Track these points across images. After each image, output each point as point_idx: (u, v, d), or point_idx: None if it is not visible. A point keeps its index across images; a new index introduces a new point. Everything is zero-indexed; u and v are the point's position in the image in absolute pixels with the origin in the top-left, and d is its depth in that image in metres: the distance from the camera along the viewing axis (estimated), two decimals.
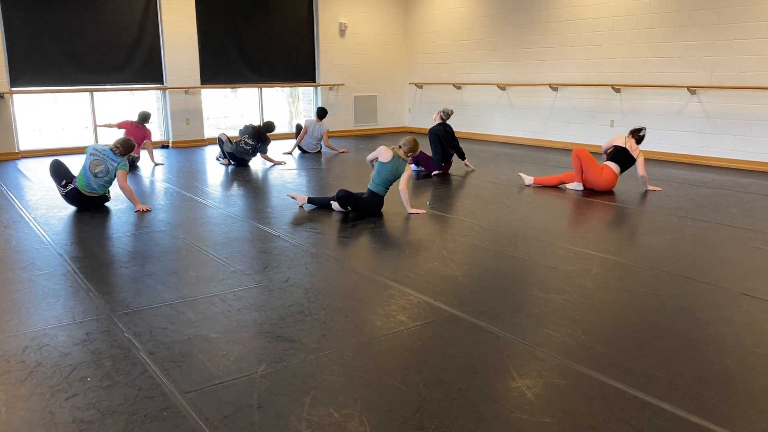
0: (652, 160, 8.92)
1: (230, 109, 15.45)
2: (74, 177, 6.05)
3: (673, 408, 2.47)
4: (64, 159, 7.41)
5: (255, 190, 7.07)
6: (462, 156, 8.20)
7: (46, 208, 6.08)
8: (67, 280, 4.01)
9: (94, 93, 10.34)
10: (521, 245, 4.75)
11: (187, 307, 3.54)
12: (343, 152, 10.04)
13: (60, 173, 6.06)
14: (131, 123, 8.80)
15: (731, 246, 4.71)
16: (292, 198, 6.19)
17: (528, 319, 3.35)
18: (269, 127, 8.69)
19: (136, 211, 5.92)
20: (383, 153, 5.75)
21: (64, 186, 5.99)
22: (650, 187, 6.84)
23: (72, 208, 6.06)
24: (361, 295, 3.72)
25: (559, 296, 3.69)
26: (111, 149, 5.98)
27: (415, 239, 4.99)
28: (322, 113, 10.06)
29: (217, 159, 9.08)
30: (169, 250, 4.70)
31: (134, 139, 8.29)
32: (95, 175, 5.90)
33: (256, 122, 10.24)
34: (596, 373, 2.74)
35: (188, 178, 7.85)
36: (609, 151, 6.92)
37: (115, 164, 5.92)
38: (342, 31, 12.52)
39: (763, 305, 3.53)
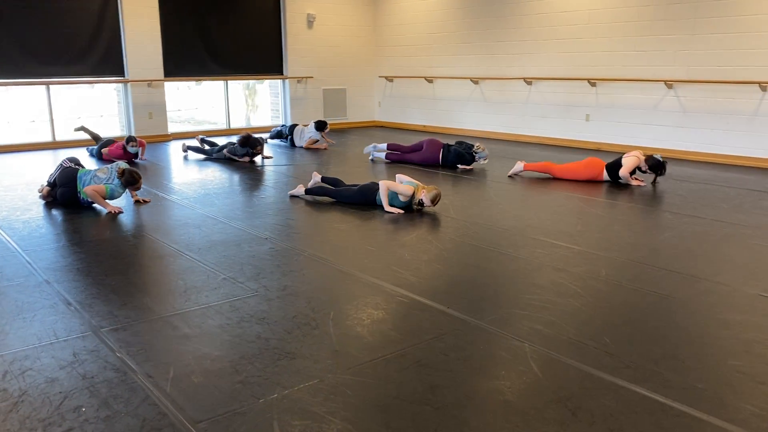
0: None
1: (184, 102, 14.88)
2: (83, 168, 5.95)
3: (727, 425, 2.32)
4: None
5: (230, 188, 6.73)
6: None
7: (7, 210, 5.65)
8: (41, 292, 3.66)
9: (51, 86, 9.79)
10: (522, 245, 4.58)
11: (181, 321, 3.25)
12: (325, 148, 9.73)
13: (77, 161, 6.11)
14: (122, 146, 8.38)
15: (732, 243, 4.63)
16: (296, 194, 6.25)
17: (550, 326, 3.17)
18: (254, 142, 8.36)
19: (107, 213, 5.55)
20: (404, 191, 5.55)
21: (75, 165, 5.92)
22: (634, 182, 6.78)
23: (38, 211, 5.64)
24: (368, 303, 3.49)
25: (575, 301, 3.52)
26: (117, 171, 5.69)
27: (410, 240, 4.78)
28: (320, 126, 9.70)
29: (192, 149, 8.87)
30: (151, 256, 4.37)
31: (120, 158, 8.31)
32: (93, 176, 5.67)
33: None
34: (637, 387, 2.58)
35: (157, 175, 7.46)
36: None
37: (109, 183, 5.64)
38: (310, 23, 12.19)
39: None
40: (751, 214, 5.49)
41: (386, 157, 8.31)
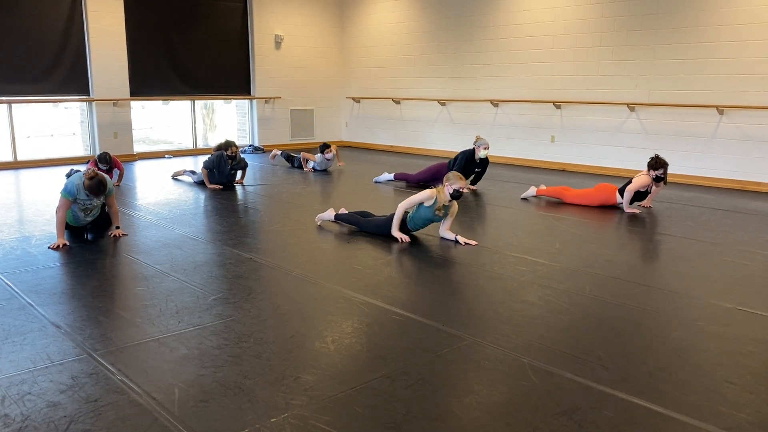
0: (592, 175, 9.17)
1: (138, 122, 14.52)
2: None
3: None
4: None
5: (204, 208, 6.68)
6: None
7: None
8: (27, 315, 3.57)
9: (12, 105, 9.56)
10: (505, 263, 4.68)
11: (178, 342, 3.22)
12: (309, 170, 9.58)
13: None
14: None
15: (704, 260, 4.83)
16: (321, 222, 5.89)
17: (545, 341, 3.25)
18: (228, 143, 8.17)
19: (84, 234, 5.43)
20: (426, 194, 5.15)
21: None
22: (632, 210, 6.68)
23: (8, 233, 5.50)
24: (363, 322, 3.51)
25: (565, 316, 3.62)
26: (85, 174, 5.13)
27: (393, 259, 4.83)
28: (323, 147, 9.57)
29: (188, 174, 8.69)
30: (136, 277, 4.31)
31: None
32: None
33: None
34: (636, 399, 2.67)
35: (127, 195, 7.34)
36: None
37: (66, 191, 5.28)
38: (278, 44, 12.23)
39: (759, 319, 3.60)
40: (718, 232, 5.73)
41: (394, 177, 8.35)
